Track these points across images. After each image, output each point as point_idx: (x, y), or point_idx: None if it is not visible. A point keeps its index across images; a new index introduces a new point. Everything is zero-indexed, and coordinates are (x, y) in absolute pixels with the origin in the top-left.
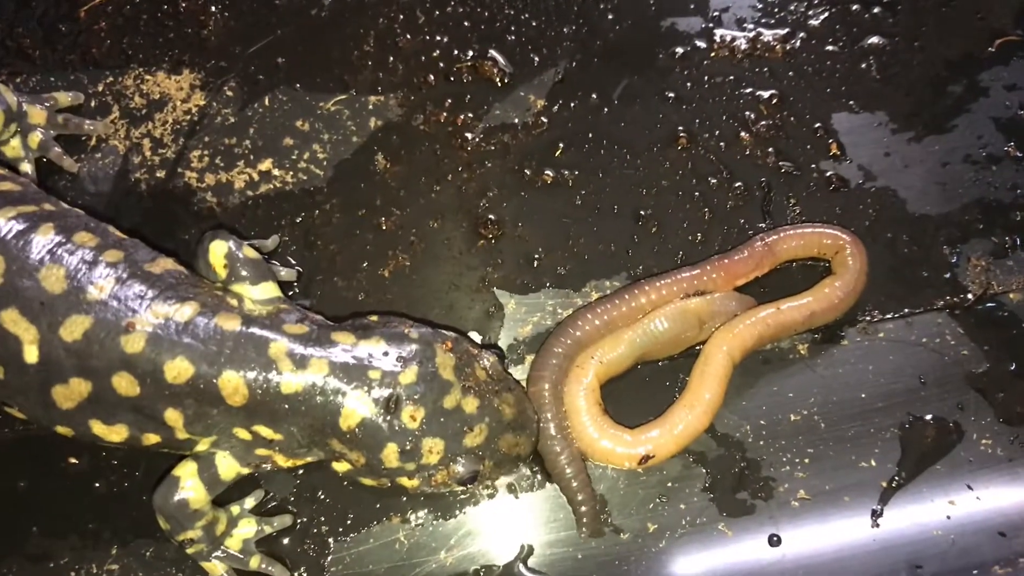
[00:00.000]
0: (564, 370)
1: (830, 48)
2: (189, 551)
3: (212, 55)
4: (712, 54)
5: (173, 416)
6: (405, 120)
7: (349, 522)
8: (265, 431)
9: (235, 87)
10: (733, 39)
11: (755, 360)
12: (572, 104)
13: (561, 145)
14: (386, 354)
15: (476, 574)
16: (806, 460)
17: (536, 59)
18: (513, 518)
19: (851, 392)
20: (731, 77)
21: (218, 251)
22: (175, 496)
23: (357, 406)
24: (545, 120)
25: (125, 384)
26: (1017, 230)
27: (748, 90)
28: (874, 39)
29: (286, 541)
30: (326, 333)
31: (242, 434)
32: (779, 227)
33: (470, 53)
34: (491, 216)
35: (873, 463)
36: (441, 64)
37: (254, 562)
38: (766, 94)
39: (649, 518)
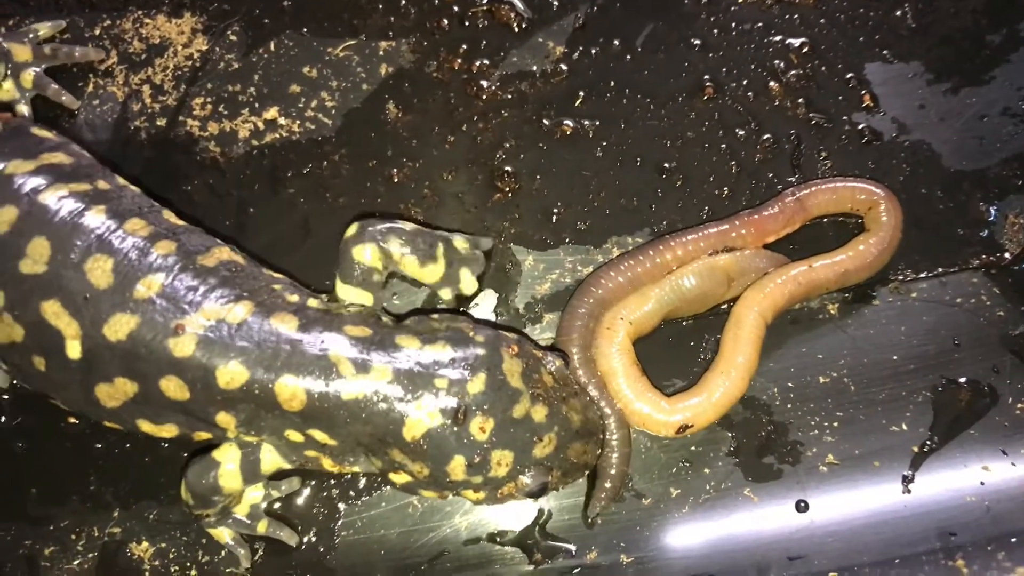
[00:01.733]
0: (592, 331)
1: None
2: (199, 517)
3: None
4: (739, 0)
5: (225, 419)
6: (417, 67)
7: (361, 485)
8: (320, 435)
9: (239, 31)
10: None
11: (783, 320)
12: (593, 51)
13: (581, 94)
14: (452, 360)
15: (491, 539)
16: (835, 424)
17: (555, 3)
18: None
19: (882, 354)
20: (760, 24)
21: (347, 233)
22: (210, 478)
23: (423, 416)
24: (564, 68)
25: (174, 388)
26: None
27: (777, 38)
28: None
29: (297, 503)
30: (390, 336)
31: (294, 436)
32: (810, 181)
33: None
34: (508, 168)
35: (904, 427)
36: (455, 8)
37: (262, 527)
38: (796, 42)
39: (672, 483)
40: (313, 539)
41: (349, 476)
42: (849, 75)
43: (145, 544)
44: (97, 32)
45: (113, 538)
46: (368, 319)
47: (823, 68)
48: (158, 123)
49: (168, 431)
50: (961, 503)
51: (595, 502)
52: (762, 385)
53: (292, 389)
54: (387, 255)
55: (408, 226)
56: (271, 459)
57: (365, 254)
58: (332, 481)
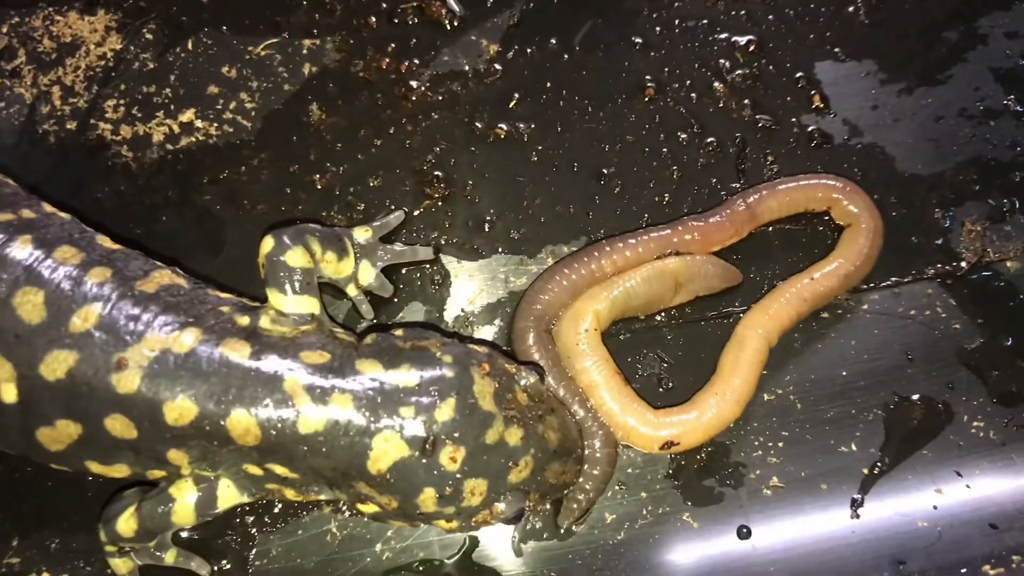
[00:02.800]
0: (549, 346)
1: None
2: (104, 545)
3: None
4: None
5: (177, 456)
6: (343, 66)
7: (276, 510)
8: (280, 469)
9: (155, 29)
10: None
11: (725, 334)
12: (529, 50)
13: (516, 96)
14: (419, 386)
15: (415, 569)
16: (780, 444)
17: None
18: None
19: (831, 369)
20: (704, 21)
21: (263, 248)
22: (163, 513)
23: (389, 447)
24: (499, 68)
25: (120, 427)
26: (1016, 192)
27: (723, 36)
28: None
29: (208, 530)
30: (350, 361)
31: (253, 470)
32: (760, 185)
33: None
34: (437, 174)
35: (854, 447)
36: (384, 4)
37: (170, 557)
38: (743, 40)
39: (607, 507)
40: (226, 567)
41: (264, 501)
42: (798, 74)
43: (46, 575)
44: (4, 29)
45: (12, 569)
46: (326, 343)
47: (771, 67)
48: (68, 126)
49: (119, 471)
50: (913, 528)
51: (568, 509)
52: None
53: (245, 424)
54: (311, 255)
55: (312, 226)
56: (229, 494)
57: (296, 258)
58: (247, 506)
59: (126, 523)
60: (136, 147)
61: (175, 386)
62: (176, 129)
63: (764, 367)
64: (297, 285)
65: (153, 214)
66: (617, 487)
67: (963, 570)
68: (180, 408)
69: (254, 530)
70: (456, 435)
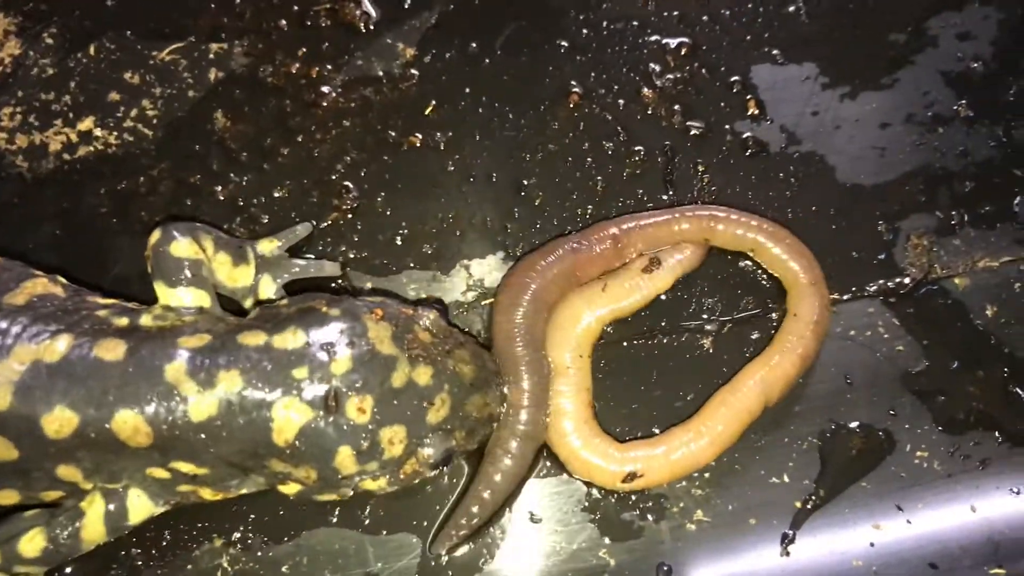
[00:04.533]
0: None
1: None
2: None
3: None
4: None
5: (68, 472)
6: (251, 71)
7: (165, 543)
8: (186, 466)
9: (56, 34)
10: None
11: (649, 353)
12: (447, 54)
13: (433, 102)
14: (307, 345)
15: None
16: (706, 475)
17: (407, 1)
18: (353, 542)
19: None
20: (634, 23)
21: (151, 239)
22: (70, 532)
23: (290, 414)
24: (415, 72)
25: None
26: (965, 204)
27: (653, 38)
28: None
29: (90, 566)
30: (231, 337)
31: (159, 474)
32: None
33: None
34: (348, 184)
35: (786, 479)
36: (295, 7)
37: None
38: (674, 43)
39: (518, 542)
40: None
41: (151, 534)
42: (733, 79)
43: None
44: None
45: None
46: (207, 326)
47: (703, 71)
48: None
49: (8, 497)
50: (846, 568)
51: (447, 533)
52: (620, 426)
53: (132, 423)
54: (202, 248)
55: (207, 227)
56: (139, 504)
57: (182, 248)
58: (134, 538)
59: (30, 543)
60: (32, 157)
61: (50, 397)
62: (74, 138)
63: (752, 423)
64: (183, 277)
65: (44, 226)
66: (529, 520)
67: None
68: (59, 419)
69: (140, 562)
70: (359, 385)
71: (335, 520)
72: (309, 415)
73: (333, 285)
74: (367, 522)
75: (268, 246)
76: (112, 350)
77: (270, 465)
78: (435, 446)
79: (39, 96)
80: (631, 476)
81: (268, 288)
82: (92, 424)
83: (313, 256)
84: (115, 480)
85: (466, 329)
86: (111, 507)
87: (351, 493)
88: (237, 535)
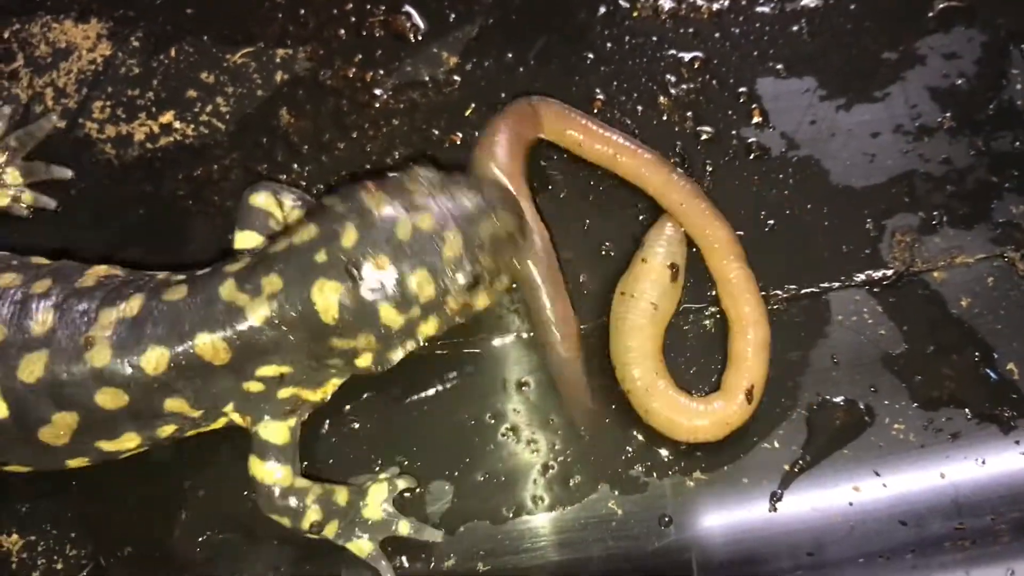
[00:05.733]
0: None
1: (760, 9)
2: (328, 535)
3: (121, 4)
4: (635, 14)
5: (175, 404)
6: (312, 75)
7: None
8: (271, 370)
9: (142, 37)
10: None
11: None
12: (486, 63)
13: (473, 105)
14: (320, 232)
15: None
16: None
17: (452, 15)
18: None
19: None
20: (654, 38)
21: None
22: (266, 488)
23: (326, 294)
24: (457, 78)
25: (110, 398)
26: (946, 206)
27: (670, 52)
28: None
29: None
30: (264, 252)
31: (253, 386)
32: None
33: (383, 7)
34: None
35: (776, 444)
36: (353, 18)
37: (404, 527)
38: (688, 56)
39: (538, 491)
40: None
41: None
42: (741, 89)
43: (15, 537)
44: (6, 35)
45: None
46: (248, 254)
47: (714, 82)
48: (58, 125)
49: (131, 440)
50: (827, 523)
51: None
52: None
53: (211, 343)
54: (280, 204)
55: (295, 190)
56: (273, 429)
57: (259, 198)
58: None
59: (280, 519)
60: (119, 145)
61: (141, 341)
62: (156, 130)
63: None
64: (252, 222)
65: (129, 207)
66: (550, 471)
67: (862, 560)
68: (154, 357)
69: None
70: (369, 248)
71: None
72: (340, 289)
73: None
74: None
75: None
76: (177, 292)
77: (334, 345)
78: (465, 272)
79: (126, 92)
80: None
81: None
82: (181, 354)
83: None
84: (220, 403)
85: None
86: (264, 453)
87: (415, 343)
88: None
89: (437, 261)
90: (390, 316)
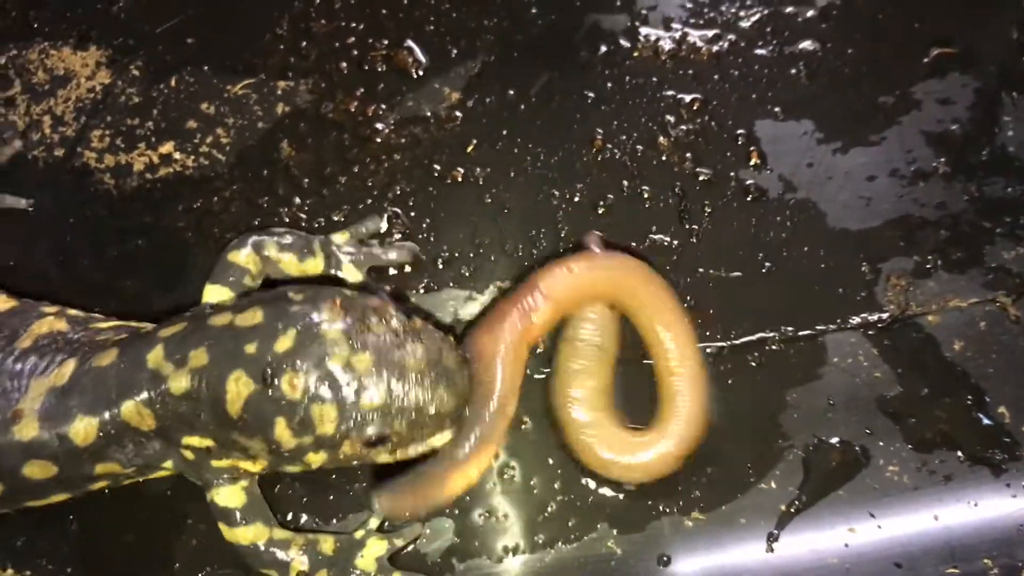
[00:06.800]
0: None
1: (759, 52)
2: None
3: (121, 32)
4: (635, 54)
5: (107, 468)
6: (314, 107)
7: None
8: (194, 441)
9: (142, 66)
10: (658, 39)
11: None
12: (488, 100)
13: (474, 141)
14: (264, 322)
15: None
16: (703, 479)
17: (454, 51)
18: None
19: (755, 410)
20: (654, 79)
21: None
22: (245, 549)
23: (239, 387)
24: (459, 114)
25: (39, 470)
26: (941, 250)
27: (670, 93)
28: (806, 44)
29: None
30: (203, 320)
31: (187, 454)
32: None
33: (385, 41)
34: (397, 210)
35: (773, 485)
36: (355, 52)
37: None
38: (688, 98)
39: (537, 529)
40: None
41: None
42: (739, 131)
43: (10, 571)
44: (3, 61)
45: None
46: (184, 319)
47: (713, 124)
48: (56, 153)
49: (61, 497)
50: (823, 564)
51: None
52: None
53: (135, 409)
54: (264, 259)
55: (283, 230)
56: (227, 493)
57: (240, 256)
58: None
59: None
60: (118, 175)
61: (68, 412)
62: (156, 160)
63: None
64: (226, 280)
65: (128, 238)
66: (548, 512)
67: None
68: (83, 428)
69: None
70: (296, 363)
71: None
72: (252, 388)
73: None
74: None
75: (341, 237)
76: (107, 357)
77: (235, 438)
78: (372, 426)
79: (125, 121)
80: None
81: (354, 274)
82: (108, 422)
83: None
84: (156, 463)
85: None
86: (229, 516)
87: (303, 467)
88: None
89: (351, 405)
90: (284, 434)
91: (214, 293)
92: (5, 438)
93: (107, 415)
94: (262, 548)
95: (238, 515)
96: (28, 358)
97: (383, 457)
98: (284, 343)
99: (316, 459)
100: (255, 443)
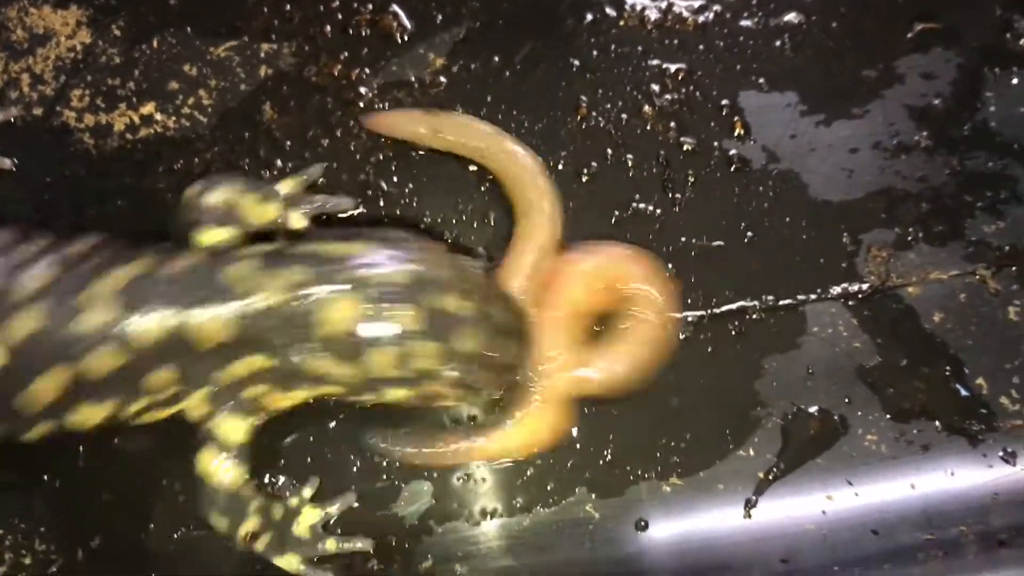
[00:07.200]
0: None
1: (744, 23)
2: (259, 548)
3: None
4: (621, 23)
5: (159, 377)
6: (297, 70)
7: None
8: (252, 363)
9: (123, 26)
10: (644, 8)
11: None
12: (472, 66)
13: (458, 108)
14: (368, 257)
15: None
16: (682, 445)
17: (439, 16)
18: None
19: (735, 378)
20: (639, 48)
21: (187, 194)
22: (212, 487)
23: (340, 313)
24: (443, 80)
25: (104, 359)
26: (921, 222)
27: (655, 62)
28: (791, 16)
29: None
30: (292, 245)
31: (230, 375)
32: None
33: (370, 6)
34: (379, 178)
35: (752, 452)
36: (340, 15)
37: (331, 544)
38: (673, 67)
39: (517, 493)
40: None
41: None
42: (724, 102)
43: None
44: None
45: None
46: (269, 244)
47: (697, 94)
48: (35, 112)
49: (107, 408)
50: (800, 530)
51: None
52: (613, 403)
53: (211, 320)
54: (228, 195)
55: (231, 174)
56: (232, 426)
57: (211, 197)
58: None
59: (216, 522)
60: (98, 135)
61: (141, 306)
62: (137, 120)
63: None
64: (217, 219)
65: (108, 198)
66: (527, 475)
67: (835, 568)
68: (152, 323)
69: None
70: (405, 297)
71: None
72: (355, 313)
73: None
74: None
75: (290, 184)
76: (181, 264)
77: (316, 359)
78: (459, 372)
79: (106, 81)
80: None
81: (299, 222)
82: (179, 326)
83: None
84: (194, 385)
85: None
86: (219, 449)
87: (375, 399)
88: None
89: (450, 347)
90: (379, 363)
91: (218, 235)
92: (75, 323)
93: (179, 318)
94: (222, 495)
95: (230, 451)
96: (95, 254)
97: (450, 401)
98: (395, 277)
99: (397, 394)
100: (343, 368)
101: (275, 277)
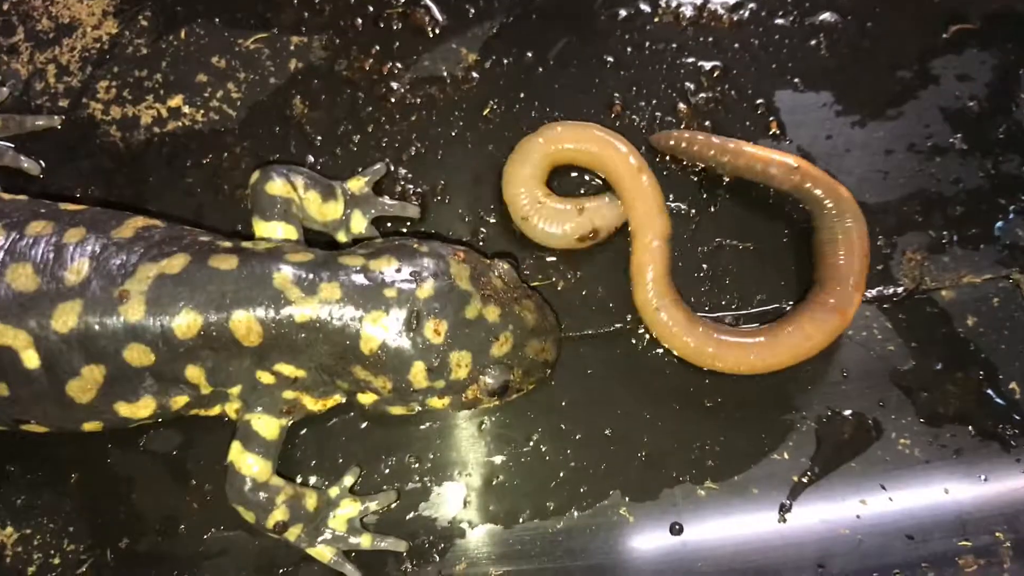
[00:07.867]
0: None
1: (779, 21)
2: (289, 538)
3: None
4: (656, 19)
5: (195, 373)
6: (327, 64)
7: None
8: (287, 369)
9: (150, 17)
10: (679, 5)
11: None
12: (505, 61)
13: (491, 103)
14: (399, 271)
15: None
16: (717, 448)
17: (472, 11)
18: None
19: (768, 381)
20: (674, 45)
21: (252, 179)
22: (240, 478)
23: (378, 327)
24: (476, 76)
25: (138, 354)
26: (956, 225)
27: (690, 60)
28: (826, 15)
29: None
30: (333, 258)
31: (266, 377)
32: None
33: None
34: (409, 172)
35: (786, 456)
36: (371, 8)
37: (366, 541)
38: (708, 65)
39: (551, 496)
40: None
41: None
42: (759, 101)
43: (9, 530)
44: (5, 7)
45: None
46: (309, 247)
47: (733, 92)
48: (60, 104)
49: (146, 406)
50: (835, 535)
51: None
52: (645, 406)
53: (247, 322)
54: (294, 187)
55: (302, 168)
56: (265, 422)
57: (276, 186)
58: None
59: (244, 513)
60: (125, 128)
61: (177, 303)
62: (164, 113)
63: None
64: (275, 212)
65: (137, 193)
66: (559, 478)
67: (875, 574)
68: (187, 320)
69: None
70: (437, 310)
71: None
72: (393, 330)
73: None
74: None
75: (356, 184)
76: (225, 262)
77: (354, 371)
78: (495, 377)
79: (133, 73)
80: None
81: (359, 223)
82: (214, 324)
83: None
84: (231, 382)
85: (532, 284)
86: (250, 442)
87: (418, 408)
88: None
89: (483, 354)
90: (418, 376)
91: (275, 229)
92: (111, 317)
93: (215, 317)
94: (249, 485)
95: (260, 445)
96: (133, 247)
97: (490, 403)
98: (425, 291)
99: (437, 403)
100: (380, 380)
101: (311, 291)
